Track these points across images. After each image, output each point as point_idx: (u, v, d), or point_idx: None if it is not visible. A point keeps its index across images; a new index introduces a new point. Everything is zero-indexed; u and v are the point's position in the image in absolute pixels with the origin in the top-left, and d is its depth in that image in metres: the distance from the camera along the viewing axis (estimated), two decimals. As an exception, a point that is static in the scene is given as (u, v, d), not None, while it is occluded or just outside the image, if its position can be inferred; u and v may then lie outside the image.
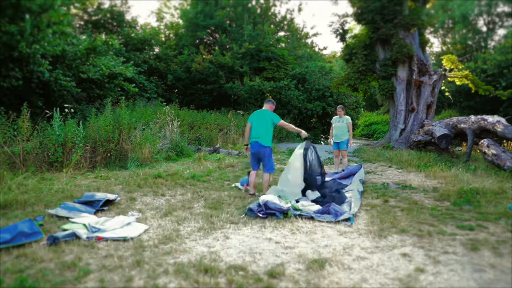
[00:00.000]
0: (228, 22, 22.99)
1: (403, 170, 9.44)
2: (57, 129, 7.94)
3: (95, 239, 4.22)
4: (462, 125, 11.02)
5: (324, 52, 28.80)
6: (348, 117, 8.85)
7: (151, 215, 5.20)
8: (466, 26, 30.60)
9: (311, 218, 5.19)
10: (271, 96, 19.69)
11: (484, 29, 30.90)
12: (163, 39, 23.64)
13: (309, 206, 5.70)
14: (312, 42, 27.55)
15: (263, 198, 5.52)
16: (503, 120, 9.85)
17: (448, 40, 33.33)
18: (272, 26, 24.22)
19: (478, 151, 10.19)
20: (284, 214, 5.24)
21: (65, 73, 11.32)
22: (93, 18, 20.04)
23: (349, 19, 17.22)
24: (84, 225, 4.46)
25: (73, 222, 4.56)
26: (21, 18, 9.44)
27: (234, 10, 22.87)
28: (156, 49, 21.78)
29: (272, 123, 6.38)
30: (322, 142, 21.74)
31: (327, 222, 5.03)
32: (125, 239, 4.27)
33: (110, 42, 14.20)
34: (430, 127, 12.47)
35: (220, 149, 11.71)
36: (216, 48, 20.84)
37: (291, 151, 13.51)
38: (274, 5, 25.74)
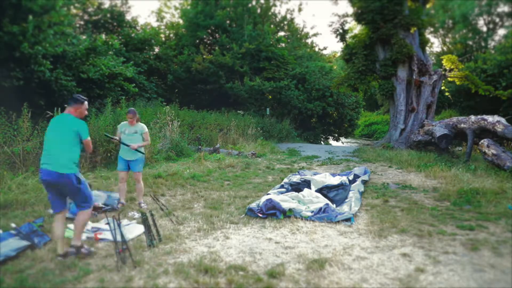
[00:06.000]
0: (228, 22, 22.96)
1: (403, 170, 9.44)
2: (57, 129, 7.93)
3: (93, 238, 4.23)
4: (462, 125, 11.01)
5: (324, 52, 28.74)
6: (144, 125, 6.19)
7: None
8: (466, 26, 30.54)
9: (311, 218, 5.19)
10: (271, 96, 19.65)
11: (484, 29, 30.85)
12: (163, 39, 23.61)
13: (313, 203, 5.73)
14: (312, 42, 27.53)
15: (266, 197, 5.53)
16: (503, 120, 9.84)
17: (448, 40, 33.29)
18: (272, 26, 24.20)
19: (478, 151, 10.17)
20: (284, 214, 5.25)
21: (65, 73, 11.31)
22: (93, 18, 20.00)
23: (349, 19, 17.21)
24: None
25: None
26: (22, 18, 9.45)
27: (234, 10, 22.84)
28: (156, 49, 21.74)
29: (77, 136, 3.96)
30: (322, 142, 21.73)
31: (327, 222, 5.03)
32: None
33: (110, 42, 14.19)
34: (430, 127, 12.46)
35: (220, 149, 11.71)
36: (216, 48, 20.82)
37: (291, 151, 13.60)
38: (274, 5, 25.72)
